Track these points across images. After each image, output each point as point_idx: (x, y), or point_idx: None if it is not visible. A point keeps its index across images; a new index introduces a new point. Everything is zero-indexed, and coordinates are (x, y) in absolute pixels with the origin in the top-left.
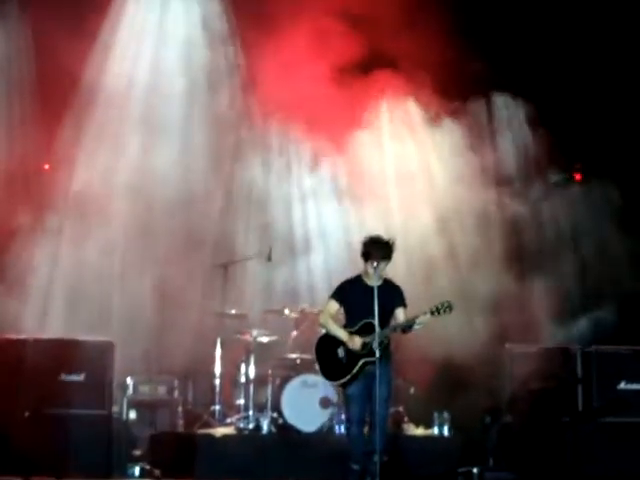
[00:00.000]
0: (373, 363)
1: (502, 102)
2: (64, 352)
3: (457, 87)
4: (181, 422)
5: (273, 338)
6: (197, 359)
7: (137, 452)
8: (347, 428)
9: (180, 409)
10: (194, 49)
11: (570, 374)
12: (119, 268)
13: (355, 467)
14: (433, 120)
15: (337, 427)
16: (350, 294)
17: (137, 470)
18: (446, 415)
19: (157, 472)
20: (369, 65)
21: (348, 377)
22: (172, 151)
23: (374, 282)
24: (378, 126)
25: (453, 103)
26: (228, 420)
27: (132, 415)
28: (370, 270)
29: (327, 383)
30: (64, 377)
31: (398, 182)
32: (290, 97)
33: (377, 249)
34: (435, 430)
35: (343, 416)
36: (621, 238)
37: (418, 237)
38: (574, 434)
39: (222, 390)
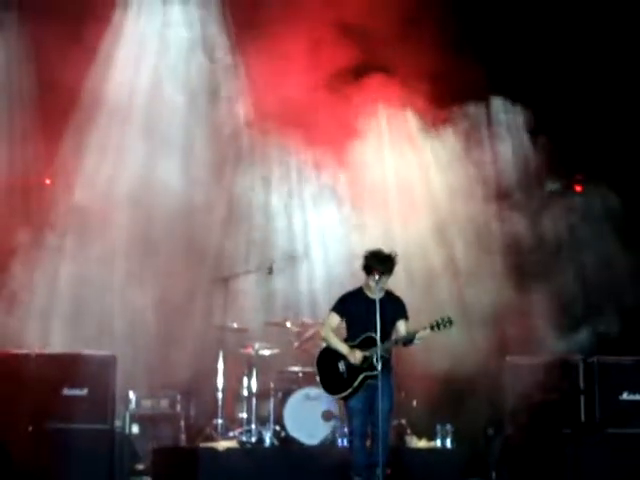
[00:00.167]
0: (373, 377)
1: (500, 109)
2: (67, 366)
3: (454, 95)
4: (183, 436)
5: (275, 351)
6: (199, 373)
7: (140, 466)
8: (350, 441)
9: (182, 423)
10: (194, 60)
11: (572, 385)
12: (120, 282)
13: (357, 479)
14: (430, 128)
15: (340, 440)
16: (352, 307)
17: None
18: (449, 427)
19: None
20: (364, 74)
21: (349, 391)
22: (173, 164)
23: (376, 295)
24: (375, 135)
25: (450, 110)
26: (230, 434)
27: (134, 429)
28: (372, 284)
29: (329, 396)
30: (67, 391)
31: (397, 192)
32: (286, 106)
33: (379, 264)
34: (438, 442)
35: (346, 429)
36: (622, 248)
37: (418, 248)
38: (576, 446)
39: (224, 404)
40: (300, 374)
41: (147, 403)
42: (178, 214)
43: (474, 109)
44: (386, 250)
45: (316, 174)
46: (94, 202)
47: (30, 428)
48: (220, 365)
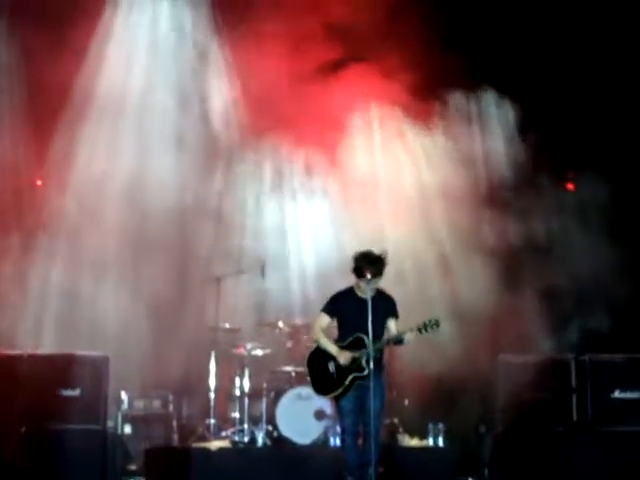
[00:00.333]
0: (363, 378)
1: (489, 102)
2: (60, 367)
3: (441, 87)
4: (176, 436)
5: (267, 351)
6: (192, 373)
7: (132, 466)
8: (342, 440)
9: (175, 423)
10: (183, 58)
11: (564, 384)
12: (113, 282)
13: (350, 478)
14: (416, 122)
15: (332, 439)
16: (342, 306)
17: None
18: (441, 426)
19: None
20: (349, 66)
21: (339, 391)
22: (164, 163)
23: (367, 294)
24: (362, 130)
25: (436, 103)
26: (223, 434)
27: (127, 429)
28: (362, 285)
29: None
30: (60, 392)
31: (385, 188)
32: (272, 102)
33: (369, 266)
34: (430, 441)
35: (338, 428)
36: (613, 245)
37: (409, 247)
38: (568, 444)
39: (217, 404)
40: (292, 374)
41: (140, 403)
42: (170, 214)
43: (461, 101)
44: (376, 251)
45: (305, 171)
46: (85, 202)
47: (23, 429)
48: (212, 365)
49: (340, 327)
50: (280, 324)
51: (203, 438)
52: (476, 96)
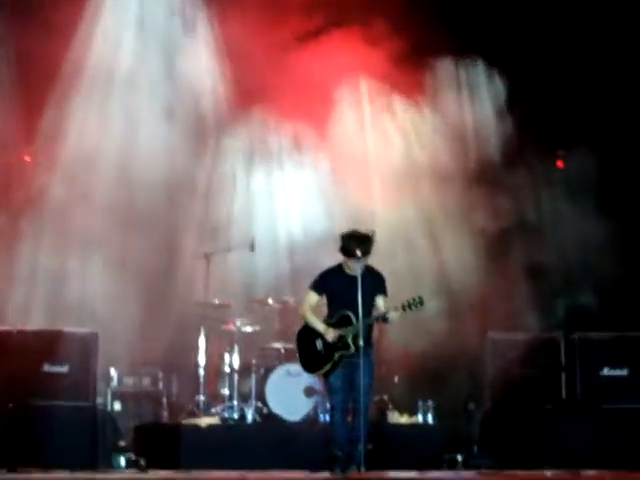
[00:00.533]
0: (350, 356)
1: (478, 72)
2: (48, 343)
3: (428, 56)
4: (166, 413)
5: (257, 328)
6: (181, 350)
7: (122, 443)
8: (331, 416)
9: (164, 400)
10: (172, 33)
11: (553, 361)
12: (101, 259)
13: (338, 453)
14: (404, 94)
15: (322, 415)
16: (332, 284)
17: (123, 461)
18: (430, 403)
19: (143, 462)
20: (332, 35)
21: (325, 368)
22: (153, 140)
23: (356, 272)
24: (351, 105)
25: (423, 73)
26: (212, 410)
27: (117, 406)
28: (351, 264)
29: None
30: (48, 368)
31: (373, 163)
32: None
33: (357, 245)
34: (419, 418)
35: (327, 405)
36: (602, 222)
37: (398, 221)
38: (557, 421)
39: (206, 380)
40: (282, 350)
41: (129, 380)
42: (159, 189)
43: (449, 69)
44: (362, 230)
45: (293, 144)
46: (74, 177)
47: (11, 405)
48: (202, 342)
49: (329, 305)
50: (270, 301)
51: (193, 415)
52: (464, 65)
